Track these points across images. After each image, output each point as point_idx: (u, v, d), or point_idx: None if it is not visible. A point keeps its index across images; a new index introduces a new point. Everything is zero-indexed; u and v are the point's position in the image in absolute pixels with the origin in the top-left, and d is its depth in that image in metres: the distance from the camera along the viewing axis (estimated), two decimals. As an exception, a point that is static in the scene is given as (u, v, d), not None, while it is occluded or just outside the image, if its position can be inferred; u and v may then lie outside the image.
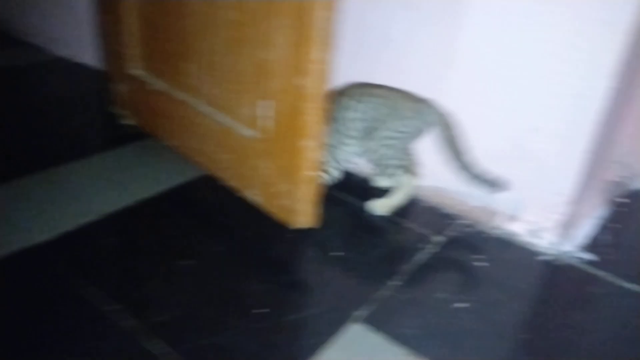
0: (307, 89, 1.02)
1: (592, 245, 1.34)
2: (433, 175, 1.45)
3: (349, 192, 1.49)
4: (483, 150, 1.36)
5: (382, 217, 1.40)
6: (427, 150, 1.42)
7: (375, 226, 1.38)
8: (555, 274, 1.25)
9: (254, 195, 1.27)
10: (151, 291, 1.08)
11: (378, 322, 1.05)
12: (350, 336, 1.02)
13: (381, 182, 1.52)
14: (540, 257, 1.29)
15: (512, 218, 1.38)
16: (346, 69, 1.51)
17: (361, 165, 1.58)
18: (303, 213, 1.19)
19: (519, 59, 1.23)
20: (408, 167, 1.41)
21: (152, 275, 1.12)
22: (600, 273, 1.24)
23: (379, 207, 1.41)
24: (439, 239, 1.33)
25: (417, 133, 1.38)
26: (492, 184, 1.32)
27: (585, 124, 1.20)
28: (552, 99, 1.22)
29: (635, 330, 1.09)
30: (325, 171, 1.45)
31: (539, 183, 1.31)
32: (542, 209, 1.32)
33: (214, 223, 1.32)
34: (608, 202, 1.54)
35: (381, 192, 1.45)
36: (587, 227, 1.41)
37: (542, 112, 1.24)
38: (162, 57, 1.41)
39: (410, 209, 1.45)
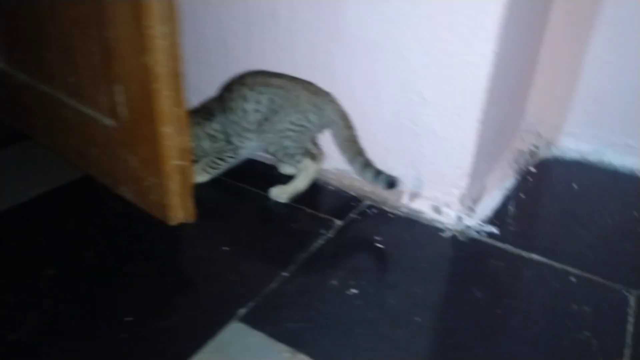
0: (155, 68, 0.93)
1: (496, 218, 1.30)
2: (337, 158, 1.38)
3: (253, 180, 1.40)
4: (377, 127, 1.30)
5: (284, 205, 1.32)
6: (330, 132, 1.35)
7: (275, 215, 1.30)
8: (456, 250, 1.20)
9: (126, 192, 1.16)
10: (3, 308, 0.97)
11: (261, 319, 0.97)
12: (227, 337, 0.93)
13: (287, 169, 1.44)
14: (443, 234, 1.24)
15: (415, 196, 1.32)
16: (234, 50, 1.43)
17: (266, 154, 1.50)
18: (176, 207, 1.09)
19: (401, 28, 1.17)
20: (310, 151, 1.34)
21: (7, 289, 1.01)
22: (503, 245, 1.20)
23: (280, 193, 1.33)
24: (341, 223, 1.26)
25: (316, 129, 1.32)
26: (390, 182, 1.26)
27: (474, 92, 1.15)
28: (439, 68, 1.16)
29: (536, 301, 1.05)
30: (221, 159, 1.37)
31: (436, 157, 1.26)
32: (443, 184, 1.27)
33: (90, 227, 1.20)
34: (517, 172, 1.50)
35: (287, 179, 1.37)
36: (492, 199, 1.37)
37: (430, 83, 1.19)
38: (22, 46, 1.28)
39: (314, 193, 1.38)
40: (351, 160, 1.30)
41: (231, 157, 1.38)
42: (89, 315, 0.97)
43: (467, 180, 1.24)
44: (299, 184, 1.34)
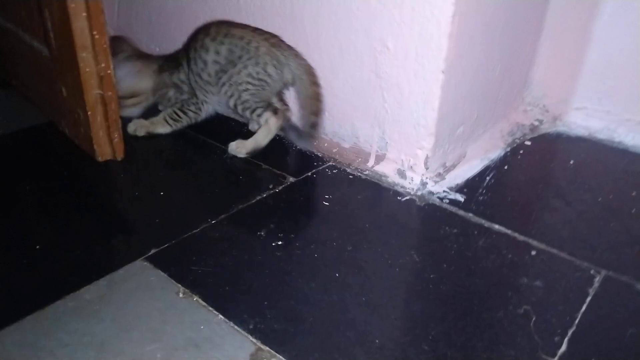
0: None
1: (467, 187, 1.17)
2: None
3: (218, 135, 1.35)
4: (343, 82, 1.21)
5: (241, 160, 1.26)
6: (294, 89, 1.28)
7: (227, 168, 1.24)
8: (409, 214, 1.09)
9: (65, 127, 1.14)
10: None
11: (168, 260, 0.92)
12: (125, 273, 0.88)
13: (256, 126, 1.37)
14: (401, 198, 1.13)
15: (381, 158, 1.22)
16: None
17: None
18: (102, 142, 1.05)
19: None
20: (272, 105, 1.27)
21: None
22: (463, 213, 1.08)
23: (239, 148, 1.27)
24: (294, 180, 1.18)
25: (277, 84, 1.24)
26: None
27: (436, 38, 1.03)
28: (400, 10, 1.06)
29: (480, 270, 0.92)
30: (183, 112, 1.32)
31: (400, 114, 1.15)
32: (407, 145, 1.17)
33: (36, 164, 1.19)
34: (509, 144, 1.36)
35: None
36: (469, 168, 1.24)
37: (392, 28, 1.08)
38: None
39: (278, 151, 1.31)
40: (307, 117, 1.22)
41: (194, 111, 1.32)
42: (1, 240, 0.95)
43: (432, 141, 1.13)
44: (259, 139, 1.27)
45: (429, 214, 1.08)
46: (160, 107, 1.38)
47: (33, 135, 1.30)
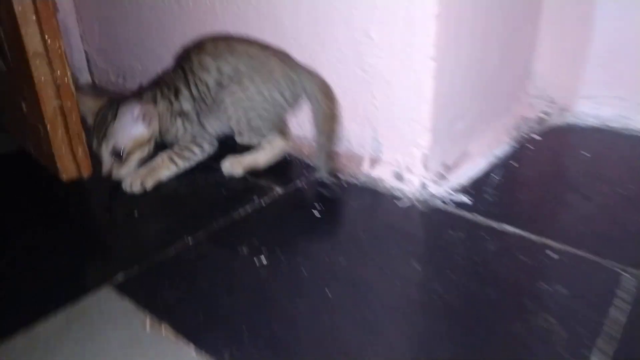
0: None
1: (473, 187, 1.06)
2: (295, 125, 1.21)
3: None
4: (328, 80, 1.11)
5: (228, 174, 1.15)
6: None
7: (209, 181, 1.14)
8: (410, 220, 0.98)
9: (30, 147, 1.05)
10: None
11: (137, 286, 0.82)
12: (89, 303, 0.78)
13: (245, 139, 1.24)
14: (401, 203, 1.02)
15: (376, 161, 1.12)
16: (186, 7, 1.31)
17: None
18: (65, 158, 0.96)
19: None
20: (279, 127, 1.16)
21: None
22: (470, 216, 0.97)
23: (234, 165, 1.14)
24: (281, 191, 1.08)
25: (288, 105, 1.13)
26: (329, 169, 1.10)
27: (423, 22, 0.94)
28: (380, -5, 0.96)
29: (491, 277, 0.80)
30: (197, 144, 1.17)
31: (391, 110, 1.06)
32: (402, 144, 1.07)
33: (8, 189, 1.11)
34: (516, 140, 1.25)
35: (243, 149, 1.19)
36: (473, 167, 1.13)
37: (374, 16, 0.99)
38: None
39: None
40: (320, 136, 1.11)
41: (209, 142, 1.18)
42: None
43: (429, 138, 1.03)
44: (260, 158, 1.15)
45: (431, 219, 0.97)
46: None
47: (2, 163, 1.21)
